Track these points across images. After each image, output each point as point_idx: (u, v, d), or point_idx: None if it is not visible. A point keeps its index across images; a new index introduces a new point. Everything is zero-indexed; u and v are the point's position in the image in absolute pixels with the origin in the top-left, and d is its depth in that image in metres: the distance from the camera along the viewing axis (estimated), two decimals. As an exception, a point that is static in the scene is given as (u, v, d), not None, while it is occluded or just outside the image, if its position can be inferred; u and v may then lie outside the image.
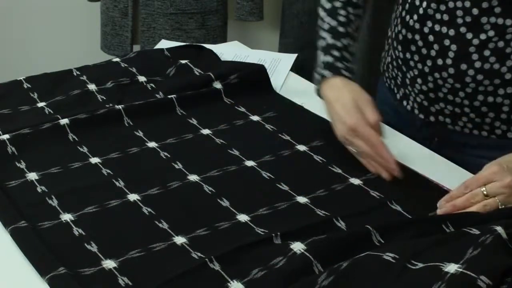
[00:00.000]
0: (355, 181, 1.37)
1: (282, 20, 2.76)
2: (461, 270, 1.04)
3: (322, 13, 1.57)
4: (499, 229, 1.13)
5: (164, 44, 1.96)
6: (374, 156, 1.39)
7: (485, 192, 1.25)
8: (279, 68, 1.82)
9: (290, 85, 1.75)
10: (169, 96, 1.62)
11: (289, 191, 1.34)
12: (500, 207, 1.24)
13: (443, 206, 1.27)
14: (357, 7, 1.57)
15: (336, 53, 1.52)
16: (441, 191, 1.33)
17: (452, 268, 1.05)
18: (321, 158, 1.44)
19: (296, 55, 1.91)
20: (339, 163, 1.42)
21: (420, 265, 1.07)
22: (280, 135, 1.52)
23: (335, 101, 1.45)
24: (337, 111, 1.44)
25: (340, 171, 1.40)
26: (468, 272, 1.03)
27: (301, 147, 1.47)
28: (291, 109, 1.62)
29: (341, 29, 1.54)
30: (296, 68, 1.85)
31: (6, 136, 1.44)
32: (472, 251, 1.09)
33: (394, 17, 1.59)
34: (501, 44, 1.40)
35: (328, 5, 1.56)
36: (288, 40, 2.72)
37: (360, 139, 1.39)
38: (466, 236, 1.15)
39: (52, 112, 1.56)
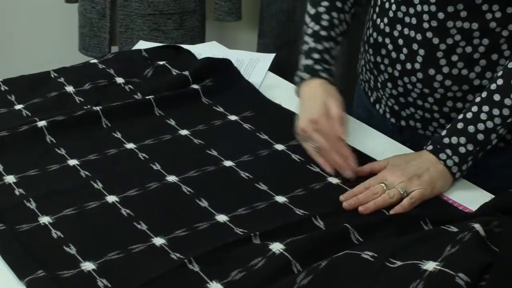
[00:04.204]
0: (333, 180, 1.37)
1: (260, 20, 2.76)
2: (439, 267, 1.04)
3: (307, 19, 1.57)
4: (477, 226, 1.13)
5: (142, 45, 1.95)
6: (331, 153, 1.38)
7: (385, 188, 1.31)
8: (257, 68, 1.82)
9: (268, 85, 1.75)
10: (147, 97, 1.61)
11: (267, 190, 1.34)
12: (401, 194, 1.29)
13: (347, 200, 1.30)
14: (342, 12, 1.55)
15: (316, 55, 1.51)
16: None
17: (430, 265, 1.05)
18: (299, 157, 1.44)
19: (274, 54, 1.91)
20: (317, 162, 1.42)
21: (399, 263, 1.08)
22: (258, 134, 1.52)
23: (307, 98, 1.47)
24: (305, 106, 1.45)
25: (318, 170, 1.40)
26: (447, 270, 1.04)
27: (279, 146, 1.47)
28: (269, 108, 1.62)
29: (323, 33, 1.53)
30: (274, 68, 1.85)
31: (-17, 139, 1.43)
32: (450, 248, 1.09)
33: (366, 20, 1.58)
34: (468, 49, 1.40)
35: (312, 11, 1.56)
36: (266, 40, 2.72)
37: (319, 132, 1.39)
38: (444, 233, 1.15)
39: (29, 114, 1.55)
